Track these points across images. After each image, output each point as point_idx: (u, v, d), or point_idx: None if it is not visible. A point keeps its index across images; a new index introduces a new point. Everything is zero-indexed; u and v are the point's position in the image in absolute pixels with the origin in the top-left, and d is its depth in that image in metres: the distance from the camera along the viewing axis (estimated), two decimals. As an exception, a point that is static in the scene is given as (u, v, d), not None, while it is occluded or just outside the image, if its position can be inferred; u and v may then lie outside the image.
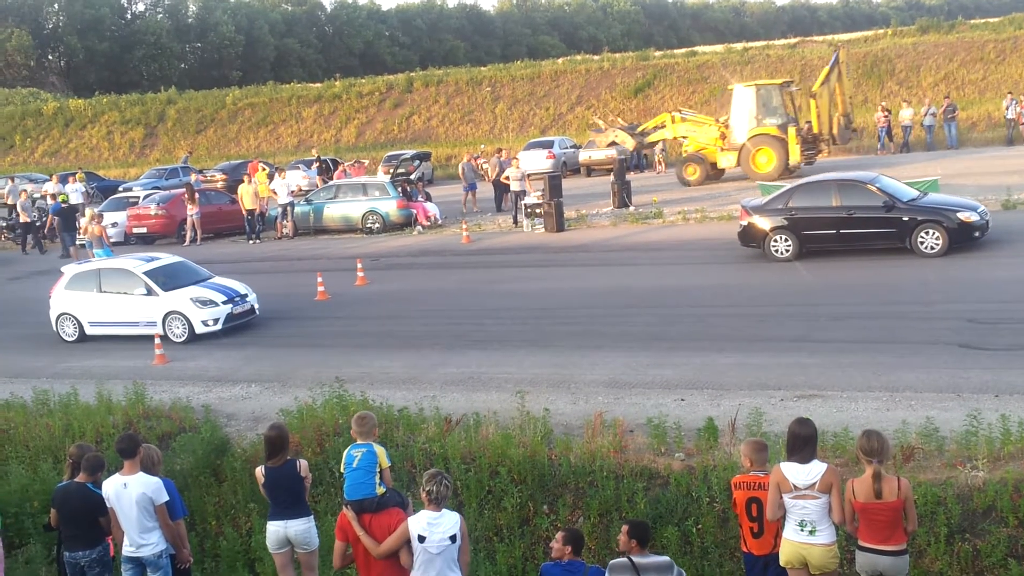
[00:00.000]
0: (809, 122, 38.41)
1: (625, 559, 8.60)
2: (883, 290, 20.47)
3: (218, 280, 22.81)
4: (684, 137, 40.39)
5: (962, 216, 22.67)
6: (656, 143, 43.03)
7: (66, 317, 22.57)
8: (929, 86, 52.79)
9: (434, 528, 8.64)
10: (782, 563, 8.97)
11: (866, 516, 8.63)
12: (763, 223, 24.03)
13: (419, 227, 34.34)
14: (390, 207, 34.78)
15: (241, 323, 22.12)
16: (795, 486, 8.78)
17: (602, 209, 34.13)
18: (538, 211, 31.55)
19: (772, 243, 23.90)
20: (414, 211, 34.79)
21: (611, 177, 35.53)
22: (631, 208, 33.49)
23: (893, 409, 13.70)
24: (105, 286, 22.37)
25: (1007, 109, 41.73)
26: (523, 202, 32.66)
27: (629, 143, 42.46)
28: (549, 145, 48.15)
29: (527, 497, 12.41)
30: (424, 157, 49.09)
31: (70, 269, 23.35)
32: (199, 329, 21.48)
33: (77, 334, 22.49)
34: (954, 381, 14.70)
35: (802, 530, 8.81)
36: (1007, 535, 10.22)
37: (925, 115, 43.02)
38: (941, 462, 11.63)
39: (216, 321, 21.58)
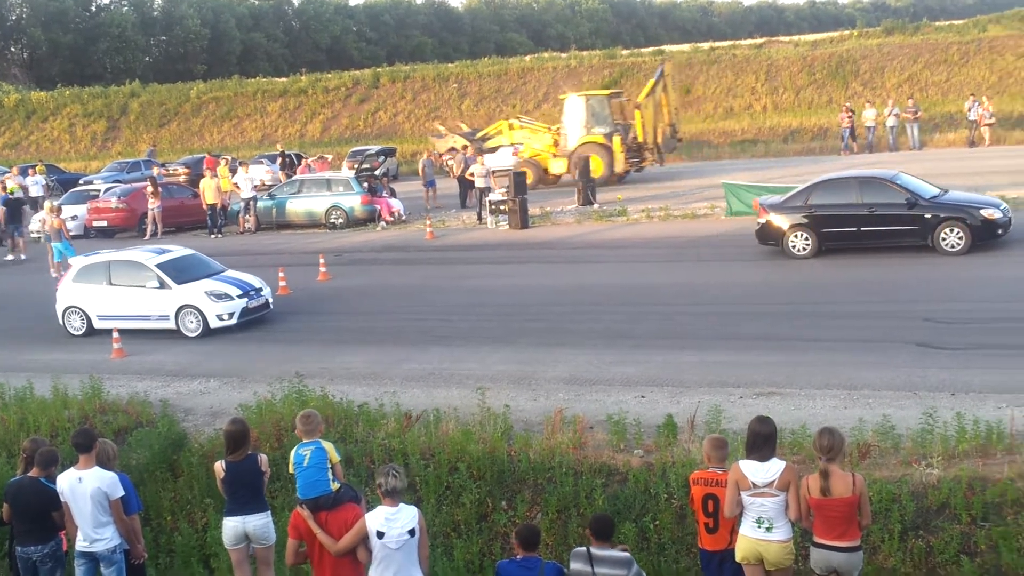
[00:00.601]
0: (635, 132, 40.21)
1: (584, 548, 8.66)
2: (846, 289, 20.59)
3: (232, 273, 22.37)
4: (520, 143, 41.40)
5: (986, 213, 22.40)
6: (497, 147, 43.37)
7: (73, 310, 22.02)
8: (893, 87, 53.19)
9: (392, 523, 8.59)
10: (738, 559, 9.00)
11: (821, 512, 8.67)
12: (781, 221, 23.69)
13: (383, 223, 34.23)
14: (354, 202, 34.64)
15: (256, 317, 21.71)
16: (753, 483, 8.81)
17: (566, 207, 34.16)
18: (502, 208, 31.53)
19: (791, 241, 23.53)
20: (378, 207, 34.68)
21: (576, 175, 35.56)
22: (595, 206, 33.56)
23: (851, 407, 13.79)
24: (115, 279, 21.84)
25: (969, 111, 42.11)
26: (488, 199, 32.62)
27: (468, 149, 43.01)
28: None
29: (486, 493, 12.39)
30: (389, 153, 48.95)
31: (78, 261, 22.74)
32: (214, 324, 21.05)
33: (85, 328, 21.98)
34: (911, 380, 14.83)
35: (759, 527, 8.84)
36: (960, 532, 10.31)
37: (888, 116, 43.34)
38: (897, 459, 11.72)
39: (231, 315, 21.18)
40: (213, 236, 34.66)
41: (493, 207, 31.93)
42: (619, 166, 39.32)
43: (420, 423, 14.03)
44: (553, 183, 40.51)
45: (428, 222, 32.08)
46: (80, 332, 21.97)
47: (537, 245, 28.79)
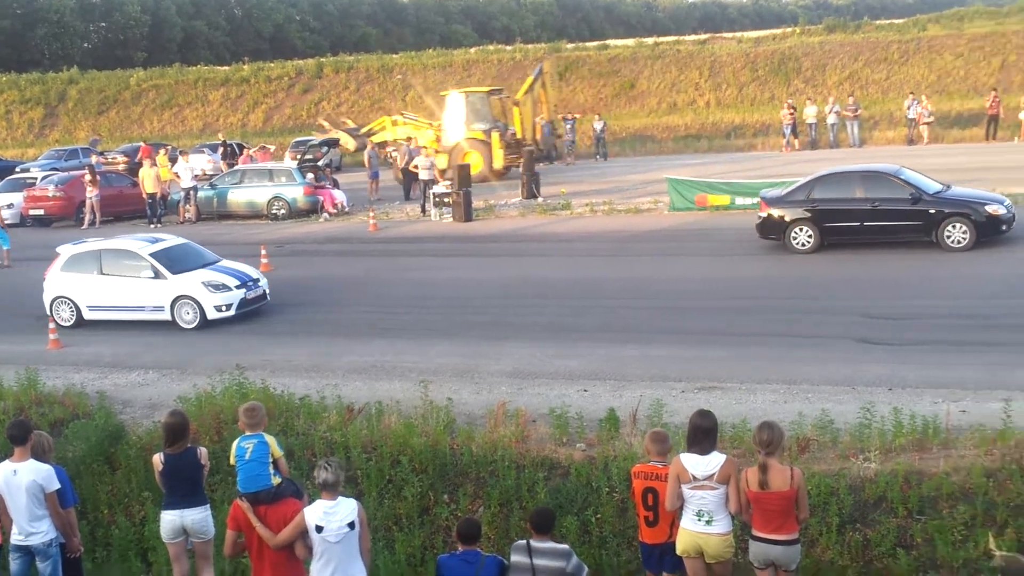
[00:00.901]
0: (513, 129, 41.12)
1: (523, 541, 8.71)
2: (791, 285, 20.79)
3: (227, 263, 21.95)
4: (405, 139, 41.76)
5: (990, 209, 22.28)
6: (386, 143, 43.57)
7: (62, 301, 21.37)
8: (834, 85, 53.77)
9: (331, 517, 8.53)
10: (678, 552, 9.05)
11: (759, 506, 8.74)
12: (783, 215, 23.51)
13: (325, 214, 34.00)
14: (296, 193, 34.36)
15: (253, 309, 21.29)
16: (694, 477, 8.85)
17: (510, 200, 34.16)
18: (446, 200, 31.44)
19: (793, 235, 23.32)
20: (321, 198, 34.42)
21: (520, 168, 35.57)
22: (539, 199, 33.59)
23: (791, 401, 13.94)
24: (107, 268, 21.25)
25: (908, 109, 42.70)
26: (431, 191, 32.51)
27: (351, 144, 43.52)
28: (459, 134, 48.00)
29: (428, 486, 12.35)
30: (332, 144, 48.63)
31: (66, 250, 22.00)
32: (211, 315, 20.57)
33: (74, 319, 21.35)
34: (850, 375, 15.02)
35: (699, 520, 8.89)
36: (896, 525, 10.45)
37: (829, 113, 43.82)
38: (835, 453, 11.85)
39: (229, 307, 20.70)
40: (152, 226, 34.19)
41: (437, 199, 31.83)
42: (498, 162, 39.86)
43: (362, 416, 13.95)
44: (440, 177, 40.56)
45: (371, 214, 31.91)
46: (69, 323, 21.33)
47: (481, 238, 28.76)
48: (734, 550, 9.06)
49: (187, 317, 20.67)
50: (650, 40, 67.81)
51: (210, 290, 20.63)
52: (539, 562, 8.57)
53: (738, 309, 19.22)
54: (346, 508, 8.60)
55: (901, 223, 22.59)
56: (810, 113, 44.20)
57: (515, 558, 8.69)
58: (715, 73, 58.11)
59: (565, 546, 8.80)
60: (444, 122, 41.69)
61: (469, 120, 40.73)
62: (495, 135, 39.80)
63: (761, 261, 23.13)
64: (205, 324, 20.53)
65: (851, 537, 10.51)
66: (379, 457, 12.80)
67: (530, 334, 18.50)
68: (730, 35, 75.05)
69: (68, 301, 21.37)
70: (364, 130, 44.43)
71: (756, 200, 28.54)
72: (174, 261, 21.17)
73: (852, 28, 63.04)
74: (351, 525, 8.56)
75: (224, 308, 20.62)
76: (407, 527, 11.99)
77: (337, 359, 17.74)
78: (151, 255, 21.07)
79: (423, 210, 33.08)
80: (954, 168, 30.70)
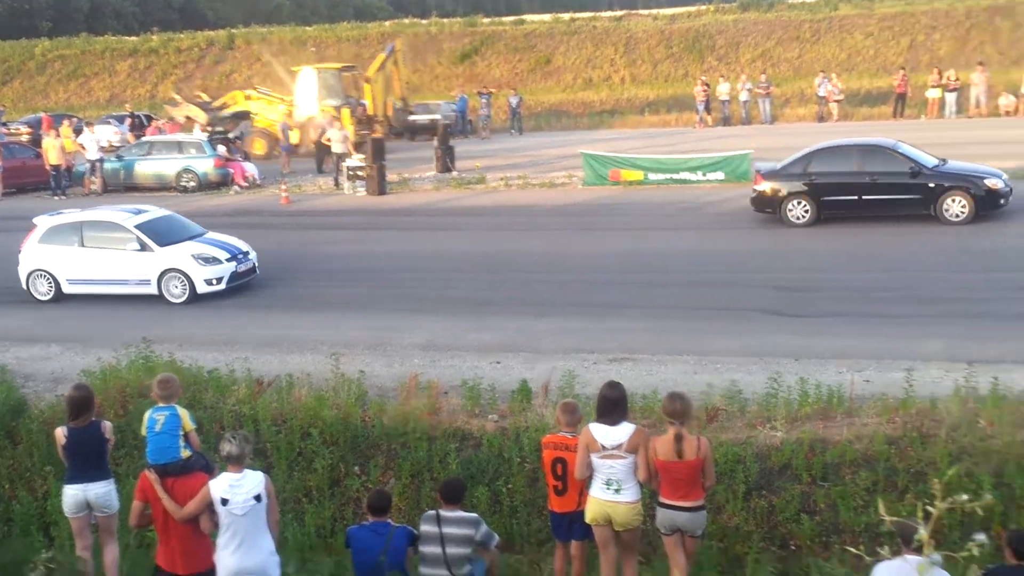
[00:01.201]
0: (365, 103, 41.91)
1: (433, 511, 8.76)
2: (706, 259, 20.99)
3: (215, 235, 21.32)
4: (256, 114, 42.43)
5: (989, 183, 22.27)
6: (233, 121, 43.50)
7: (40, 274, 20.52)
8: (747, 62, 54.33)
9: (236, 490, 8.42)
10: (587, 520, 9.11)
11: (667, 474, 8.83)
12: (780, 188, 23.29)
13: (236, 187, 33.51)
14: (206, 166, 33.79)
15: (244, 283, 20.70)
16: (603, 446, 8.91)
17: (425, 173, 33.98)
18: (360, 174, 31.18)
19: (789, 209, 23.17)
20: (231, 170, 33.91)
21: (435, 142, 35.40)
22: (454, 173, 33.47)
23: (701, 372, 14.09)
24: (89, 240, 20.44)
25: (819, 87, 43.33)
26: (345, 164, 32.20)
27: (202, 118, 43.13)
28: (372, 108, 47.58)
29: (338, 459, 12.27)
30: (243, 116, 47.88)
31: (44, 221, 21.06)
32: (201, 288, 19.94)
33: (53, 292, 20.53)
34: (760, 346, 15.24)
35: (608, 488, 8.95)
36: (800, 491, 10.64)
37: (742, 90, 44.30)
38: (743, 423, 12.01)
39: (220, 280, 20.10)
40: (56, 198, 33.36)
41: (351, 173, 31.54)
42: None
43: (272, 389, 13.79)
44: (292, 154, 40.30)
45: (284, 187, 31.50)
46: (47, 297, 20.56)
47: (395, 212, 28.59)
48: (642, 518, 9.15)
49: (175, 291, 20.07)
50: (566, 16, 67.73)
51: (200, 263, 20.10)
52: (448, 531, 8.60)
53: (651, 282, 19.39)
54: (252, 481, 8.49)
55: (900, 197, 22.51)
56: (723, 90, 44.63)
57: (425, 528, 8.71)
58: (630, 49, 58.36)
59: (474, 515, 8.84)
60: (296, 97, 42.10)
61: (321, 95, 41.41)
62: (346, 111, 39.97)
63: (675, 235, 23.36)
64: (195, 298, 19.97)
65: (757, 504, 10.68)
66: (289, 430, 12.68)
67: (444, 307, 18.46)
68: (646, 12, 75.32)
69: (46, 274, 20.59)
70: (216, 103, 44.24)
71: (668, 176, 28.95)
72: (160, 233, 20.57)
73: (765, 7, 63.68)
74: (257, 498, 8.46)
75: (215, 282, 20.11)
76: (317, 499, 11.91)
77: (247, 332, 17.53)
78: (137, 227, 20.44)
79: (336, 183, 32.76)
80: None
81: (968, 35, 49.83)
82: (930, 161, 22.88)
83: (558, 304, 18.39)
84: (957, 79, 40.64)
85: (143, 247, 20.16)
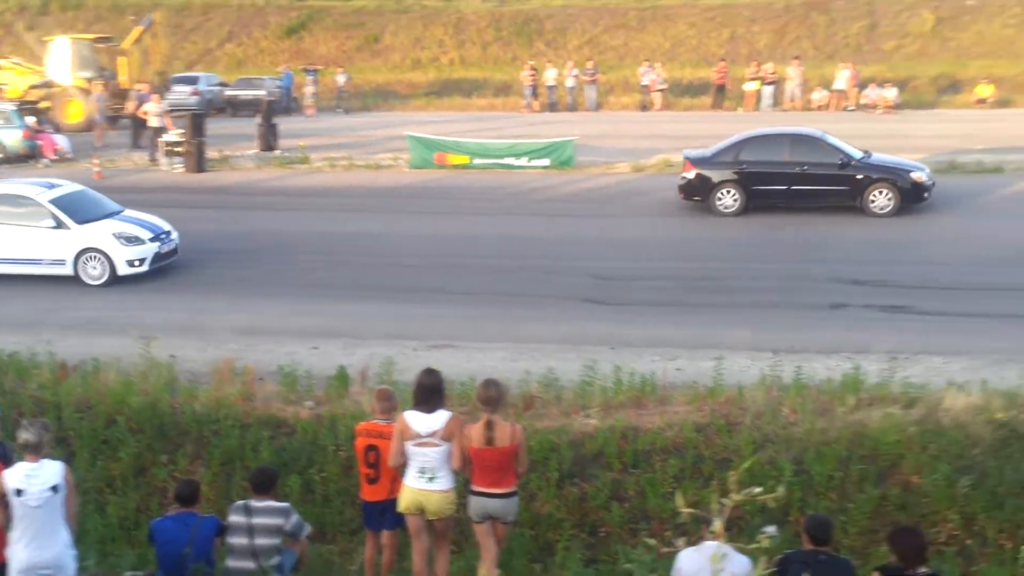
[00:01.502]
0: (117, 77, 41.04)
1: (243, 501, 8.62)
2: (528, 246, 21.12)
3: (133, 213, 19.97)
4: (5, 84, 41.15)
5: (915, 176, 22.50)
6: None
7: None
8: (575, 48, 54.88)
9: (32, 480, 8.03)
10: (400, 509, 9.04)
11: (479, 461, 8.83)
12: (710, 176, 23.07)
13: (45, 160, 32.03)
14: (13, 136, 32.18)
15: (167, 264, 19.48)
16: (418, 433, 8.84)
17: (246, 151, 33.15)
18: (178, 149, 30.21)
19: (718, 197, 22.99)
20: (40, 142, 32.40)
21: (257, 119, 34.60)
22: (277, 152, 32.76)
23: (519, 360, 14.19)
24: None
25: (643, 76, 44.18)
26: (162, 139, 31.13)
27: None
28: (194, 81, 46.22)
29: (145, 446, 11.86)
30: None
31: None
32: (123, 270, 18.69)
33: None
34: (577, 334, 15.47)
35: (422, 476, 8.89)
36: (612, 479, 10.82)
37: (568, 77, 44.79)
38: (559, 410, 12.14)
39: (142, 261, 18.91)
40: None
41: (168, 148, 30.52)
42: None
43: (77, 373, 13.25)
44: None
45: (96, 161, 30.26)
46: None
47: (213, 190, 27.82)
48: (456, 507, 9.13)
49: (94, 272, 18.82)
50: (396, -6, 67.15)
51: (122, 243, 18.90)
52: (258, 521, 8.43)
53: (475, 268, 19.42)
54: (50, 470, 8.12)
55: (829, 188, 22.63)
56: (550, 76, 45.02)
57: (233, 518, 8.51)
58: (460, 31, 58.27)
59: (285, 504, 8.68)
60: (48, 68, 41.12)
61: (74, 67, 40.46)
62: (99, 84, 38.61)
63: (499, 221, 23.45)
64: (115, 281, 18.76)
65: (569, 491, 10.81)
66: (93, 416, 12.20)
67: (261, 290, 18.11)
68: (476, -7, 75.31)
69: None
70: None
71: (494, 160, 29.05)
72: (77, 209, 19.28)
73: (593, -6, 64.46)
74: (54, 488, 8.09)
75: (137, 263, 18.95)
76: (121, 489, 11.47)
77: (50, 314, 16.83)
78: (51, 202, 19.09)
79: (152, 159, 31.66)
80: (682, 136, 32.03)
81: (786, 29, 51.57)
82: (856, 153, 23.10)
83: (379, 288, 18.25)
84: (774, 72, 42.03)
85: (59, 224, 18.93)
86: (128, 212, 20.18)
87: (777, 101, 41.67)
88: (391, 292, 17.99)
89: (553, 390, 12.51)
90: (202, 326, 16.03)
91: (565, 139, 29.64)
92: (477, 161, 29.23)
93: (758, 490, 5.86)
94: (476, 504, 8.94)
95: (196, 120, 30.48)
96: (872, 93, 40.01)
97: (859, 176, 22.46)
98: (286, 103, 45.29)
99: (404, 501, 9.00)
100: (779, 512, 9.80)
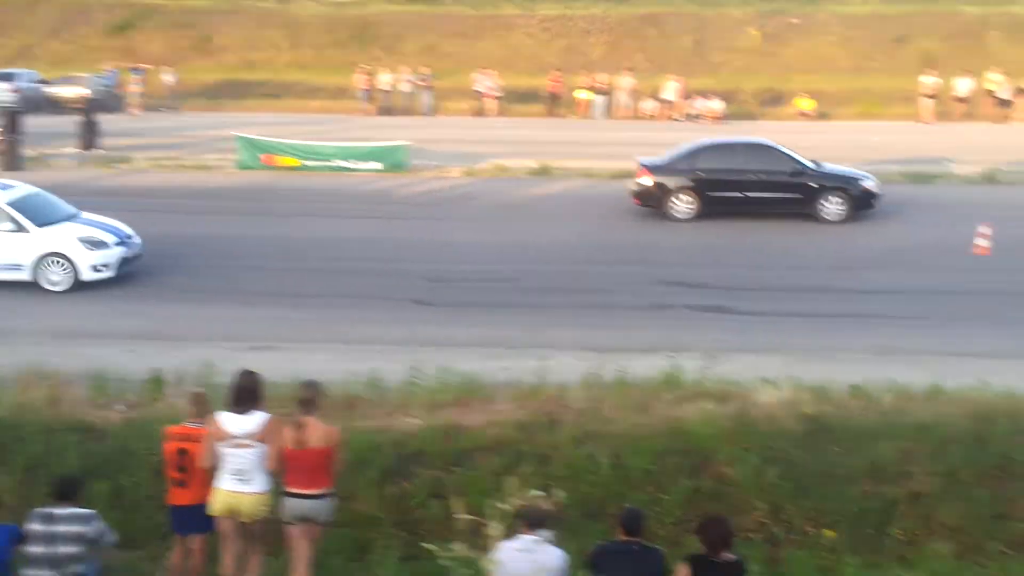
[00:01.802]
0: None
1: (44, 509, 8.29)
2: (357, 247, 20.97)
3: (92, 216, 18.78)
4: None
5: (865, 184, 23.14)
6: None
7: None
8: (412, 54, 54.66)
9: None
10: (212, 512, 8.80)
11: (295, 463, 8.67)
12: (666, 182, 23.18)
13: None
14: None
15: (132, 269, 18.38)
16: (231, 435, 8.64)
17: (66, 150, 31.87)
18: (-9, 147, 28.86)
19: (673, 203, 23.10)
20: None
21: (79, 117, 33.33)
22: (98, 151, 31.60)
23: (345, 361, 13.96)
24: None
25: (478, 83, 44.34)
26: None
27: None
28: (11, 78, 44.26)
29: (-65, 456, 11.22)
30: None
31: None
32: (87, 276, 17.66)
33: None
34: (406, 334, 15.44)
35: (236, 479, 8.68)
36: (432, 477, 10.72)
37: (403, 81, 44.63)
38: (383, 411, 12.03)
39: (107, 267, 17.87)
40: None
41: (-19, 145, 29.13)
42: None
43: None
44: None
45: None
46: None
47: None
48: (269, 509, 8.93)
49: (55, 278, 17.78)
50: (229, -6, 65.82)
51: (87, 247, 17.82)
52: (59, 529, 8.10)
53: (305, 270, 19.22)
54: None
55: (783, 195, 23.01)
56: (385, 80, 44.79)
57: (33, 527, 8.15)
58: (295, 33, 57.46)
59: (89, 511, 8.33)
60: None
61: None
62: None
63: (330, 223, 23.12)
64: (79, 287, 17.64)
65: (389, 490, 10.67)
66: None
67: (81, 292, 17.43)
68: (312, -4, 74.47)
69: None
70: None
71: (324, 163, 28.72)
72: (36, 212, 18.20)
73: (432, 0, 64.48)
74: None
75: (102, 268, 17.91)
76: (-89, 500, 10.84)
77: None
78: (10, 204, 17.91)
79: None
80: (516, 141, 32.40)
81: (620, 41, 52.48)
82: (808, 162, 23.47)
83: (201, 291, 17.88)
84: (606, 83, 42.76)
85: (18, 227, 17.81)
86: (87, 215, 19.24)
87: (609, 110, 42.39)
88: (213, 294, 17.64)
89: (377, 391, 12.40)
90: (12, 329, 15.32)
91: (398, 143, 29.52)
92: (308, 163, 28.84)
93: (538, 494, 5.94)
94: (291, 505, 8.77)
95: (12, 117, 29.21)
96: (699, 104, 41.07)
97: (812, 184, 23.00)
98: (110, 102, 43.78)
99: (217, 504, 8.77)
100: (596, 505, 9.93)
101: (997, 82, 39.87)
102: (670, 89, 41.88)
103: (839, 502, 9.80)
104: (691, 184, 23.20)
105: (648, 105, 42.04)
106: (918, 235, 22.04)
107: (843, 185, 23.17)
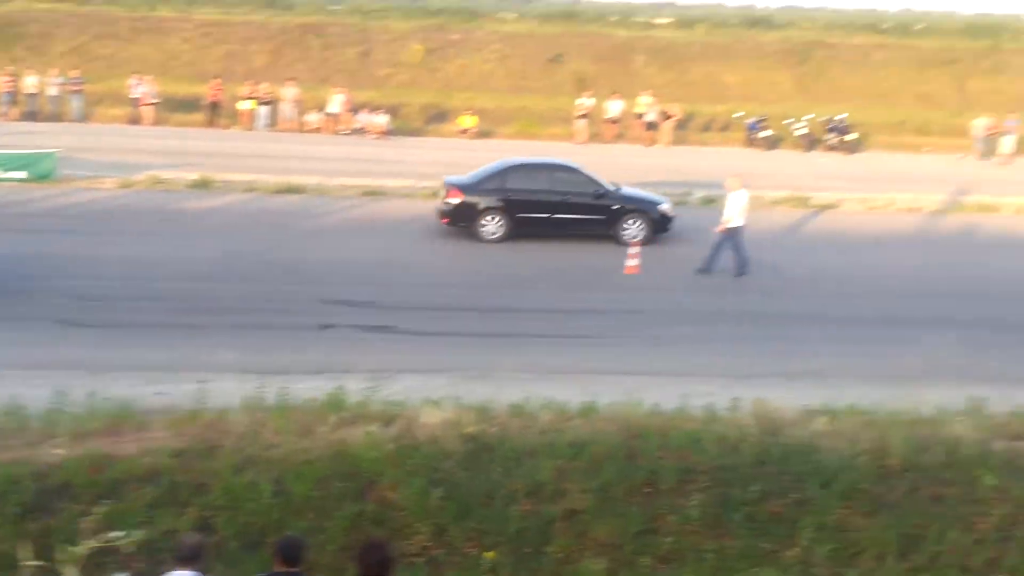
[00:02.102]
0: None
1: None
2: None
3: None
4: None
5: (662, 208, 23.85)
6: None
7: None
8: (60, 56, 51.55)
9: None
10: None
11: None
12: (476, 202, 23.24)
13: None
14: None
15: None
16: None
17: None
18: None
19: (483, 223, 23.16)
20: None
21: None
22: None
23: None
24: None
25: (133, 89, 42.36)
26: None
27: None
28: None
29: None
30: None
31: None
32: None
33: None
34: (51, 358, 14.49)
35: None
36: (79, 510, 9.99)
37: (51, 85, 42.00)
38: (23, 441, 11.17)
39: None
40: None
41: None
42: None
43: None
44: None
45: None
46: None
47: None
48: None
49: None
50: None
51: None
52: None
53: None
54: None
55: (587, 217, 23.46)
56: (31, 83, 41.94)
57: None
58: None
59: None
60: None
61: None
62: None
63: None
64: None
65: (32, 526, 9.89)
66: None
67: None
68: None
69: None
70: None
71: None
72: None
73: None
74: None
75: None
76: None
77: None
78: None
79: None
80: (180, 152, 31.27)
81: (282, 50, 51.69)
82: (609, 185, 23.91)
83: None
84: (269, 92, 42.06)
85: None
86: None
87: (273, 121, 41.70)
88: None
89: (17, 419, 11.51)
90: None
91: (46, 151, 27.75)
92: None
93: (117, 535, 5.71)
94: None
95: None
96: (364, 118, 41.17)
97: (614, 207, 23.61)
98: None
99: None
100: (257, 535, 9.64)
101: (646, 104, 42.35)
102: (335, 102, 41.73)
103: (500, 522, 9.94)
104: (500, 205, 23.50)
105: (313, 117, 41.71)
106: (574, 255, 23.02)
107: (643, 208, 23.97)
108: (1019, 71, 53.58)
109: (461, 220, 23.67)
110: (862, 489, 10.80)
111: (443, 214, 23.88)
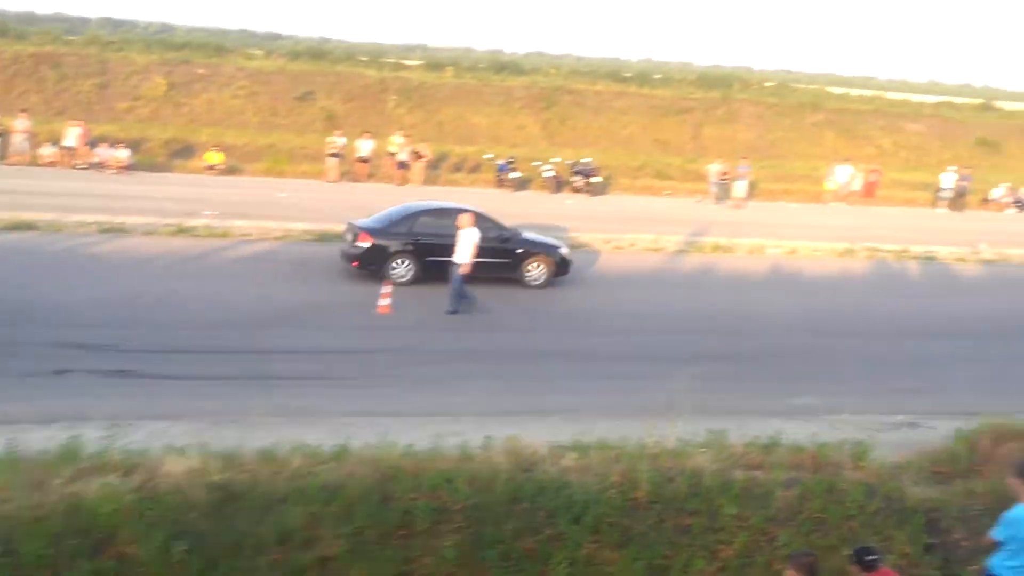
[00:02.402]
0: None
1: None
2: None
3: None
4: None
5: (563, 252, 24.97)
6: None
7: None
8: None
9: None
10: None
11: None
12: (387, 246, 23.45)
13: None
14: None
15: None
16: None
17: None
18: None
19: (393, 267, 23.35)
20: None
21: None
22: None
23: None
24: None
25: None
26: None
27: None
28: None
29: None
30: None
31: None
32: None
33: None
34: None
35: None
36: None
37: None
38: None
39: None
40: None
41: None
42: None
43: None
44: None
45: None
46: None
47: None
48: None
49: None
50: None
51: None
52: None
53: None
54: None
55: (494, 260, 23.67)
56: None
57: None
58: None
59: None
60: None
61: None
62: None
63: None
64: None
65: None
66: None
67: None
68: None
69: None
70: None
71: None
72: None
73: None
74: None
75: None
76: None
77: None
78: None
79: None
80: None
81: (13, 81, 48.87)
82: (510, 230, 24.73)
83: None
84: (0, 125, 39.72)
85: None
86: None
87: (3, 154, 39.31)
88: None
89: None
90: None
91: None
92: None
93: None
94: None
95: None
96: (103, 152, 39.42)
97: (519, 250, 24.44)
98: None
99: None
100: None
101: (398, 144, 42.51)
102: (71, 135, 39.77)
103: (248, 574, 9.60)
104: (410, 248, 23.71)
105: (48, 150, 39.60)
106: (325, 294, 22.74)
107: (546, 252, 24.87)
108: (749, 120, 57.14)
109: (371, 263, 23.79)
110: (611, 522, 11.02)
111: (352, 257, 24.00)
